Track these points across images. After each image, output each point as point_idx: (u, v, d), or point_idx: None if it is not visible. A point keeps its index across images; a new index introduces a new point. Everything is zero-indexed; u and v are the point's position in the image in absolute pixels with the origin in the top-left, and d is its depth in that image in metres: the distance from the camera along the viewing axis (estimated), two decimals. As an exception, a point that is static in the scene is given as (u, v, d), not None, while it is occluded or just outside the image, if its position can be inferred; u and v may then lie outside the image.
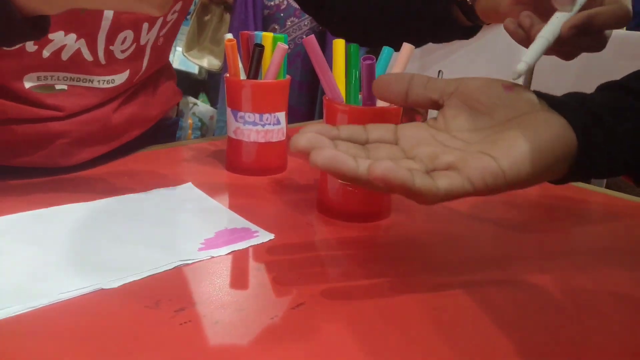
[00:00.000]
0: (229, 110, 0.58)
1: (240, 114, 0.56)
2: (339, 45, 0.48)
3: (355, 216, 0.47)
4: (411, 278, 0.38)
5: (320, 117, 1.31)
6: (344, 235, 0.44)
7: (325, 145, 0.31)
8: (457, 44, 0.76)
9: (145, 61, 0.59)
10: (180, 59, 1.97)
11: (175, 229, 0.43)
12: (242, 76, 0.58)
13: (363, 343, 0.30)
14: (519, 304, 0.35)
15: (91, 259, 0.37)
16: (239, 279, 0.36)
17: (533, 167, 0.31)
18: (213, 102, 2.22)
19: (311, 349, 0.30)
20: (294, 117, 0.90)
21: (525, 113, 0.34)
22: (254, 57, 0.55)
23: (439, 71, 0.76)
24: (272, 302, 0.34)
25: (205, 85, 2.28)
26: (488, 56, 0.77)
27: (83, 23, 0.50)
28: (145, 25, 0.55)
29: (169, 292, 0.34)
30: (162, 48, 0.61)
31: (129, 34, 0.53)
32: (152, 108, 0.65)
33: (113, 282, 0.35)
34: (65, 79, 0.52)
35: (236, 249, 0.40)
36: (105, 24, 0.51)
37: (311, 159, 0.28)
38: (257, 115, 0.56)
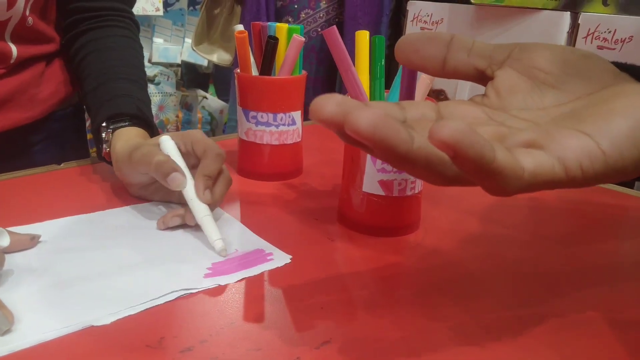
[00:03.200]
0: (239, 109, 0.53)
1: (252, 113, 0.52)
2: (361, 36, 0.43)
3: (381, 230, 0.42)
4: (450, 308, 0.33)
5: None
6: (370, 254, 0.39)
7: (364, 107, 0.21)
8: (490, 32, 0.70)
9: (13, 47, 0.52)
10: (188, 51, 1.93)
11: (178, 250, 0.38)
12: (254, 72, 0.53)
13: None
14: (576, 336, 0.30)
15: (75, 289, 0.32)
16: (252, 311, 0.31)
17: (637, 149, 0.23)
18: (221, 94, 2.18)
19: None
20: (307, 117, 0.85)
21: (608, 86, 0.27)
22: (267, 50, 0.50)
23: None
24: (293, 339, 0.29)
25: (214, 77, 2.24)
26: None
27: None
28: (3, 1, 0.49)
29: (172, 327, 0.29)
30: (35, 30, 0.55)
31: None
32: (42, 88, 0.58)
33: (105, 317, 0.30)
34: None
35: (248, 275, 0.35)
36: None
37: (351, 122, 0.20)
38: (270, 115, 0.51)
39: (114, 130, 0.49)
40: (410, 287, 0.35)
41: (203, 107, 2.12)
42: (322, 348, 0.28)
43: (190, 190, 0.40)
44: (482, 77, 0.30)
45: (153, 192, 0.46)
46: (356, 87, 0.41)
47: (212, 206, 0.40)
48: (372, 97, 0.42)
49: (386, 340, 0.29)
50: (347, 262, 0.38)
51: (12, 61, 0.53)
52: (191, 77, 2.18)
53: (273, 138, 0.52)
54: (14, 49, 0.53)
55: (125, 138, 0.47)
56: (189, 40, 1.86)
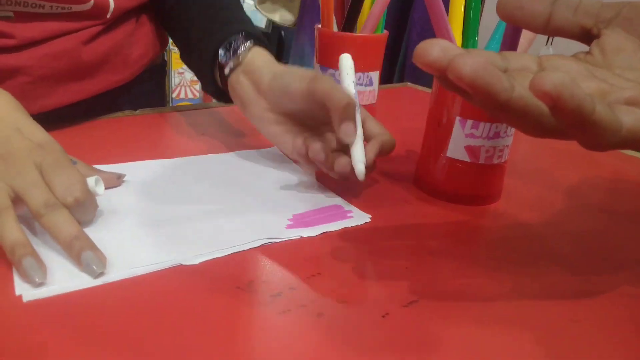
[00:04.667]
0: (317, 66, 0.52)
1: (331, 71, 0.51)
2: (457, -5, 0.41)
3: (460, 198, 0.41)
4: (537, 277, 0.31)
5: (400, 81, 1.22)
6: (450, 220, 0.38)
7: (467, 53, 0.22)
8: None
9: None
10: (249, 11, 1.91)
11: (261, 200, 0.38)
12: (334, 29, 0.51)
13: (492, 355, 0.25)
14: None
15: (162, 229, 0.33)
16: (338, 265, 0.31)
17: None
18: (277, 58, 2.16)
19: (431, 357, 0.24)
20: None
21: None
22: (352, 5, 0.48)
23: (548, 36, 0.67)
24: (381, 296, 0.29)
25: (269, 39, 2.22)
26: None
27: None
28: None
29: (260, 272, 0.30)
30: None
31: None
32: (134, 48, 0.55)
33: (193, 258, 0.30)
34: (9, 3, 0.43)
35: (329, 229, 0.35)
36: None
37: (454, 67, 0.20)
38: (349, 74, 0.50)
39: (252, 46, 0.44)
40: (496, 254, 0.34)
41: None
42: (411, 307, 0.28)
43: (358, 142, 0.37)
44: (588, 36, 0.29)
45: (284, 132, 0.41)
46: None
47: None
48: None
49: (478, 303, 0.28)
50: (427, 226, 0.37)
51: (108, 15, 0.50)
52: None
53: (349, 98, 0.51)
54: (111, 2, 0.50)
55: (268, 59, 0.43)
56: (250, 1, 1.84)
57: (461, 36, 0.40)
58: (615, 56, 0.27)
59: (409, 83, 0.83)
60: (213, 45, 0.45)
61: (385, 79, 1.24)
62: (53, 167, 0.31)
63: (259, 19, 1.81)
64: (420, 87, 0.80)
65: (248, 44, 0.44)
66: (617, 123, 0.21)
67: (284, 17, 1.34)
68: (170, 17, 0.55)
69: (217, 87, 0.47)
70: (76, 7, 0.47)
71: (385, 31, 0.52)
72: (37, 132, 0.34)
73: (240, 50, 0.44)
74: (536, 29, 0.29)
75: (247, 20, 0.49)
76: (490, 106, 0.22)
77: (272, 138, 0.42)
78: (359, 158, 0.36)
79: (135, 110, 0.56)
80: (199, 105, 0.61)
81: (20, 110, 0.35)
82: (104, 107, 0.54)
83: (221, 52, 0.44)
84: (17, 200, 0.30)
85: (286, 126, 0.41)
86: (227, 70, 0.44)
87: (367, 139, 0.39)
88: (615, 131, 0.21)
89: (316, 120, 0.41)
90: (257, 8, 1.35)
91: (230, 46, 0.44)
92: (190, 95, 1.84)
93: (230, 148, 0.47)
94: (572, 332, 0.27)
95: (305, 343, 0.25)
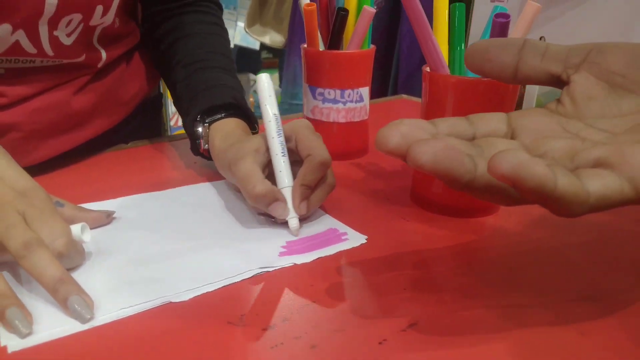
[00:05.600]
0: (305, 86, 0.52)
1: (320, 90, 0.50)
2: (440, 3, 0.40)
3: (459, 211, 0.39)
4: (541, 294, 0.30)
5: (395, 94, 1.22)
6: (448, 235, 0.37)
7: (428, 138, 0.23)
8: (563, 6, 0.65)
9: (102, 51, 0.49)
10: (241, 34, 1.93)
11: (251, 229, 0.37)
12: (320, 47, 0.51)
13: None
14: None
15: (151, 266, 0.32)
16: (332, 292, 0.30)
17: None
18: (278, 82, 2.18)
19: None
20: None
21: None
22: (336, 23, 0.48)
23: (541, 37, 0.66)
24: (378, 321, 0.27)
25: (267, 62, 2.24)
26: (602, 21, 0.65)
27: (18, 8, 0.40)
28: (99, 9, 0.45)
29: (252, 305, 0.29)
30: (120, 29, 0.51)
31: (75, 16, 0.44)
32: (126, 90, 0.54)
33: (183, 294, 0.29)
34: (0, 61, 0.43)
35: (323, 254, 0.34)
36: (50, 9, 0.42)
37: (412, 157, 0.21)
38: (338, 92, 0.50)
39: (210, 123, 0.45)
40: (494, 270, 0.33)
41: (254, 91, 2.13)
42: (410, 330, 0.26)
43: (286, 192, 0.37)
44: (558, 82, 0.28)
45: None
46: (436, 57, 0.39)
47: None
48: (452, 67, 0.39)
49: (475, 326, 0.27)
50: (425, 243, 0.36)
51: (100, 65, 0.50)
52: (243, 61, 2.19)
53: (340, 116, 0.50)
54: (103, 53, 0.49)
55: (224, 132, 0.43)
56: (241, 24, 1.86)
57: (447, 45, 0.40)
58: (586, 105, 0.27)
59: (404, 95, 0.83)
60: (190, 121, 0.46)
61: (379, 93, 1.23)
62: (35, 218, 0.30)
63: (253, 42, 1.83)
64: (414, 99, 0.79)
65: (221, 115, 0.45)
66: (584, 193, 0.21)
67: (273, 39, 1.34)
68: (158, 64, 0.56)
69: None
70: (67, 61, 0.47)
71: (372, 46, 0.51)
72: (20, 178, 0.33)
73: (201, 132, 0.45)
74: (506, 80, 0.29)
75: (230, 84, 0.49)
76: (454, 187, 0.22)
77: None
78: (291, 214, 0.36)
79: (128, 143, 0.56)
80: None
81: (3, 157, 0.34)
82: (98, 147, 0.54)
83: (199, 129, 0.45)
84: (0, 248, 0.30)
85: None
86: (202, 143, 0.45)
87: (302, 158, 0.38)
88: (582, 202, 0.21)
89: None
90: (246, 31, 1.36)
91: (206, 120, 0.45)
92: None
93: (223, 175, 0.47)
94: (582, 347, 0.25)
95: (299, 379, 0.24)
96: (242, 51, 2.15)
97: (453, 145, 0.21)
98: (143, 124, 0.61)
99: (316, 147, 0.37)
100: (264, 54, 2.18)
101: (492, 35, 0.35)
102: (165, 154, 0.53)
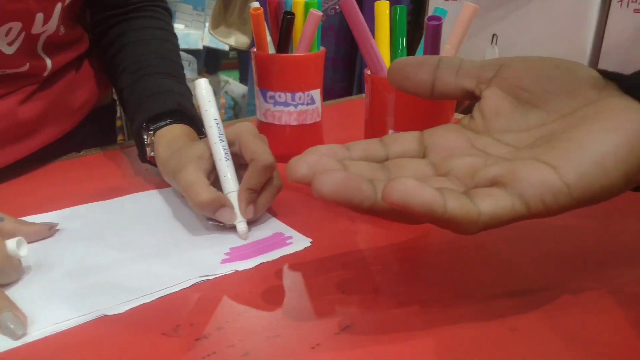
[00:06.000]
0: (257, 89, 0.52)
1: (270, 93, 0.50)
2: (381, 7, 0.41)
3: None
4: (474, 291, 0.31)
5: (360, 92, 1.23)
6: (392, 234, 0.37)
7: (332, 167, 0.24)
8: (518, 2, 0.66)
9: (47, 59, 0.48)
10: (209, 36, 1.92)
11: (195, 236, 0.37)
12: (272, 50, 0.51)
13: (428, 383, 0.24)
14: (613, 320, 0.28)
15: (90, 278, 0.32)
16: (270, 298, 0.30)
17: (609, 177, 0.23)
18: (244, 79, 2.17)
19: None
20: (330, 98, 0.83)
21: (592, 102, 0.26)
22: (283, 27, 0.48)
23: (493, 35, 0.67)
24: (313, 325, 0.28)
25: (239, 62, 2.22)
26: (551, 17, 0.67)
27: None
28: (40, 17, 0.44)
29: (188, 314, 0.29)
30: (66, 36, 0.50)
31: (15, 25, 0.43)
32: (76, 97, 0.53)
33: (119, 306, 0.29)
34: None
35: (266, 259, 0.34)
36: None
37: (315, 188, 0.22)
38: (288, 95, 0.50)
39: (155, 130, 0.44)
40: (437, 270, 0.33)
41: (226, 92, 2.12)
42: (343, 333, 0.27)
43: (232, 197, 0.37)
44: (471, 97, 0.29)
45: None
46: (376, 61, 0.39)
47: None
48: (393, 70, 0.40)
49: (409, 325, 0.28)
50: (369, 244, 0.36)
51: (45, 74, 0.49)
52: (213, 62, 2.18)
53: (292, 118, 0.50)
54: (48, 61, 0.48)
55: (168, 139, 0.43)
56: (207, 25, 1.85)
57: (388, 45, 0.40)
58: (494, 119, 0.28)
59: (364, 95, 0.83)
60: (135, 129, 0.45)
61: (347, 92, 1.24)
62: None
63: (222, 43, 1.82)
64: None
65: (166, 122, 0.44)
66: (474, 214, 0.22)
67: (238, 40, 1.34)
68: (107, 70, 0.54)
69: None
70: (10, 71, 0.45)
71: (322, 48, 0.51)
72: None
73: (148, 139, 0.45)
74: (424, 96, 0.30)
75: (177, 90, 0.48)
76: (358, 212, 0.23)
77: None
78: (239, 219, 0.36)
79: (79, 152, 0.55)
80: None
81: None
82: (48, 157, 0.52)
83: (145, 137, 0.45)
84: None
85: None
86: (148, 150, 0.45)
87: (247, 161, 0.38)
88: (473, 221, 0.22)
89: None
90: (211, 33, 1.35)
91: (151, 127, 0.45)
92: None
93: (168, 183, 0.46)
94: (512, 343, 0.26)
95: (228, 387, 0.24)
96: (211, 52, 2.14)
97: (353, 175, 0.22)
98: (95, 132, 0.60)
99: (260, 152, 0.37)
100: (232, 55, 2.16)
101: (426, 38, 0.36)
102: (116, 162, 0.52)
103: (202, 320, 0.28)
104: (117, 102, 0.63)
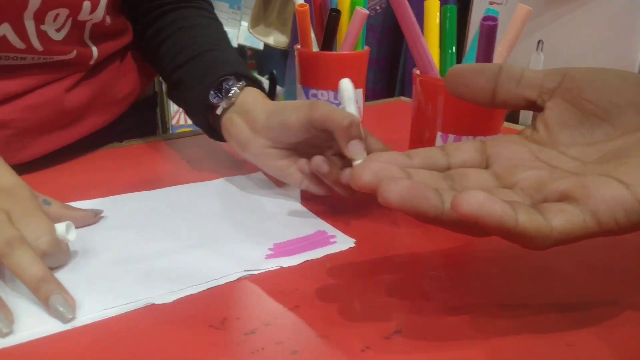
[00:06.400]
0: (299, 87, 0.52)
1: (313, 91, 0.50)
2: (431, 6, 0.40)
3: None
4: (525, 302, 0.30)
5: (402, 94, 1.21)
6: (438, 240, 0.36)
7: (396, 175, 0.24)
8: (564, 7, 0.64)
9: (94, 48, 0.49)
10: (245, 34, 1.93)
11: (239, 230, 0.37)
12: (315, 48, 0.51)
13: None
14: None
15: (136, 266, 0.32)
16: (317, 296, 0.30)
17: None
18: (280, 81, 2.17)
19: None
20: (371, 98, 0.82)
21: None
22: (329, 24, 0.47)
23: (539, 41, 0.66)
24: (362, 328, 0.27)
25: (257, 62, 2.23)
26: (599, 24, 0.65)
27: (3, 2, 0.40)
28: (87, 5, 0.45)
29: (235, 308, 0.28)
30: (112, 26, 0.51)
31: (62, 11, 0.44)
32: (120, 87, 0.54)
33: (166, 295, 0.29)
34: None
35: (310, 257, 0.33)
36: (34, 3, 0.41)
37: (381, 195, 0.22)
38: (331, 93, 0.49)
39: (245, 86, 0.43)
40: (481, 276, 0.32)
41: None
42: (393, 338, 0.26)
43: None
44: (534, 107, 0.28)
45: (288, 165, 0.40)
46: (426, 60, 0.38)
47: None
48: (443, 69, 0.39)
49: (460, 334, 0.27)
50: (414, 248, 0.35)
51: (92, 62, 0.50)
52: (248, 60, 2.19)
53: (334, 117, 0.50)
54: (94, 50, 0.49)
55: (260, 98, 0.43)
56: (245, 24, 1.86)
57: (438, 48, 0.39)
58: (559, 132, 0.27)
59: (402, 97, 0.82)
60: (205, 88, 0.44)
61: (386, 94, 1.22)
62: (20, 216, 0.30)
63: (257, 42, 1.83)
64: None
65: (240, 84, 0.44)
66: (546, 229, 0.21)
67: (277, 39, 1.34)
68: (156, 56, 0.55)
69: (209, 127, 0.47)
70: (58, 57, 0.46)
71: (366, 47, 0.51)
72: (5, 176, 0.33)
73: (232, 92, 0.43)
74: (483, 104, 0.29)
75: (238, 61, 0.48)
76: (424, 221, 0.23)
77: (277, 173, 0.42)
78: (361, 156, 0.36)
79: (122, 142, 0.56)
80: (188, 133, 0.60)
81: None
82: (91, 145, 0.53)
83: (212, 93, 0.44)
84: None
85: (290, 158, 0.41)
86: (219, 111, 0.43)
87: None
88: (546, 236, 0.21)
89: (319, 147, 0.40)
90: (250, 32, 1.36)
91: (221, 88, 0.44)
92: (190, 122, 1.84)
93: (218, 175, 0.47)
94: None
95: (277, 384, 0.23)
96: (241, 51, 2.15)
97: (419, 183, 0.22)
98: (137, 123, 0.61)
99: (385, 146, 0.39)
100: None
101: (480, 38, 0.35)
102: (160, 153, 0.53)
103: (249, 315, 0.28)
104: (158, 96, 0.64)
